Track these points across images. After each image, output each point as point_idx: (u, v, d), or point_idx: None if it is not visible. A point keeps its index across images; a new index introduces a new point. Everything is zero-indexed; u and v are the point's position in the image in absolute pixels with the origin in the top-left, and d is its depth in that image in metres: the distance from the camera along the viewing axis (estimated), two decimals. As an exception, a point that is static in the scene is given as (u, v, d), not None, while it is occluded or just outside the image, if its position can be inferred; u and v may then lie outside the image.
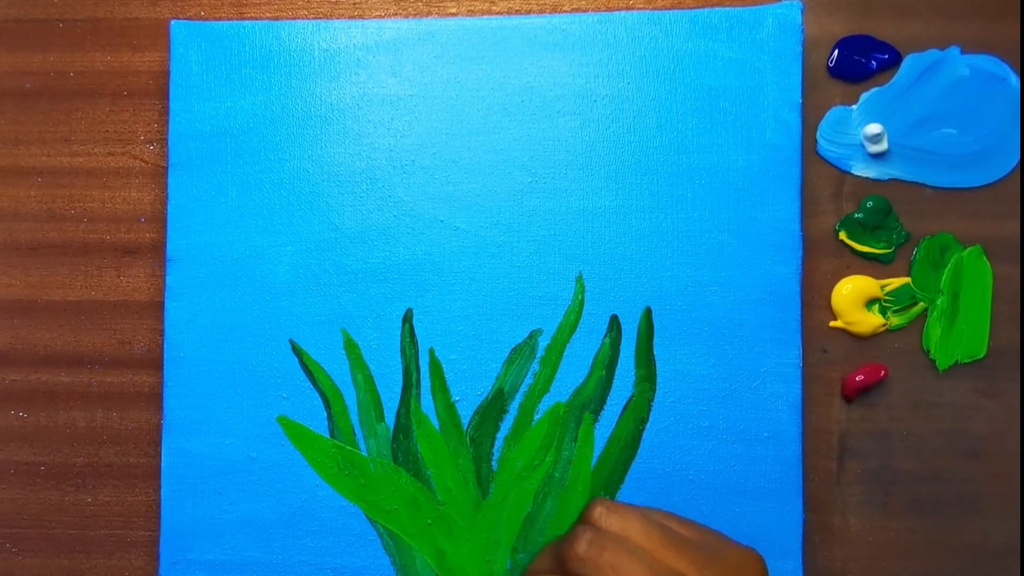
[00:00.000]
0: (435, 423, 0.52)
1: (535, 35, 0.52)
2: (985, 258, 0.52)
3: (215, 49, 0.53)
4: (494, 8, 0.54)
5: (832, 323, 0.52)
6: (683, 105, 0.52)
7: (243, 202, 0.53)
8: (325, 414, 0.52)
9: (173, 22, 0.53)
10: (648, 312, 0.51)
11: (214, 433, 0.52)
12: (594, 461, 0.51)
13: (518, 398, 0.52)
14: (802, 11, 0.52)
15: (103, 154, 0.55)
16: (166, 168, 0.54)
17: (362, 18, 0.54)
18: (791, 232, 0.51)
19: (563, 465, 0.51)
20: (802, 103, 0.51)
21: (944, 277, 0.52)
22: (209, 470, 0.52)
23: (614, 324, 0.51)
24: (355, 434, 0.52)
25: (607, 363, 0.51)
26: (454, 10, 0.54)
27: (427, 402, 0.52)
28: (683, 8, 0.53)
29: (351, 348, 0.52)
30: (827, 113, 0.53)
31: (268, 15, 0.55)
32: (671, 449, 0.51)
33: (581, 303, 0.52)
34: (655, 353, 0.51)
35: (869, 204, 0.52)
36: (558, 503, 0.51)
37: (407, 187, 0.52)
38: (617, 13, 0.52)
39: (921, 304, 0.52)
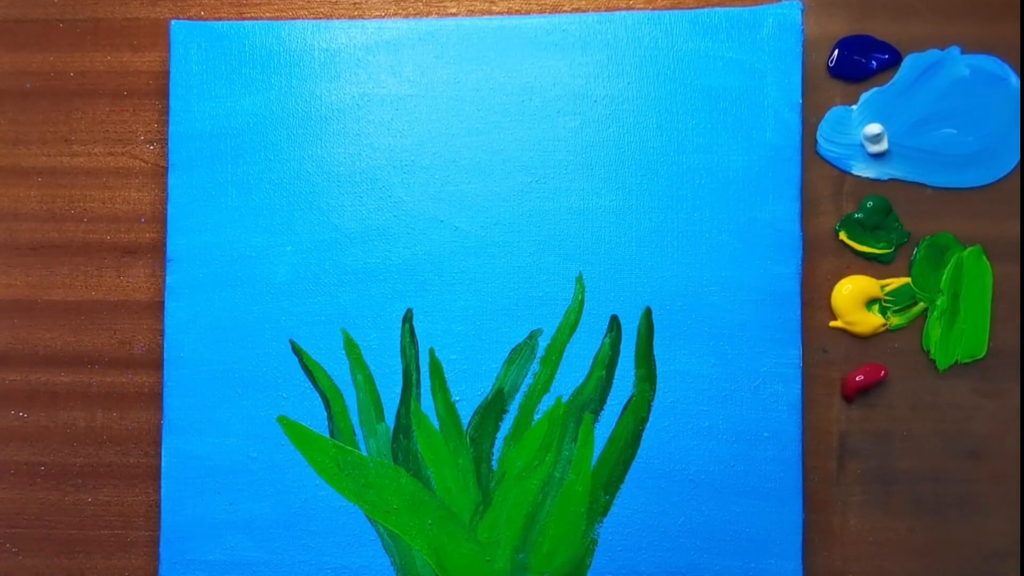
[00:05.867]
0: (435, 423, 0.52)
1: (535, 35, 0.52)
2: (985, 258, 0.52)
3: (215, 49, 0.53)
4: (494, 8, 0.54)
5: (832, 323, 0.52)
6: (683, 105, 0.52)
7: (243, 202, 0.52)
8: (325, 414, 0.52)
9: (173, 22, 0.53)
10: (648, 312, 0.51)
11: (214, 433, 0.52)
12: (594, 461, 0.51)
13: (518, 398, 0.52)
14: (802, 11, 0.52)
15: (103, 154, 0.55)
16: (166, 168, 0.54)
17: (362, 18, 0.54)
18: (791, 232, 0.51)
19: (563, 465, 0.51)
20: (802, 103, 0.51)
21: (944, 277, 0.52)
22: (209, 470, 0.52)
23: (614, 324, 0.51)
24: (355, 434, 0.52)
25: (607, 363, 0.51)
26: (454, 10, 0.54)
27: (427, 402, 0.52)
28: (683, 8, 0.53)
29: (351, 348, 0.52)
30: (827, 113, 0.53)
31: (268, 15, 0.55)
32: (671, 449, 0.51)
33: (581, 303, 0.52)
34: (655, 353, 0.51)
35: (869, 204, 0.52)
36: (558, 503, 0.51)
37: (407, 187, 0.52)
38: (617, 13, 0.52)
39: (921, 304, 0.52)
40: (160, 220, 0.54)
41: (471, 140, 0.52)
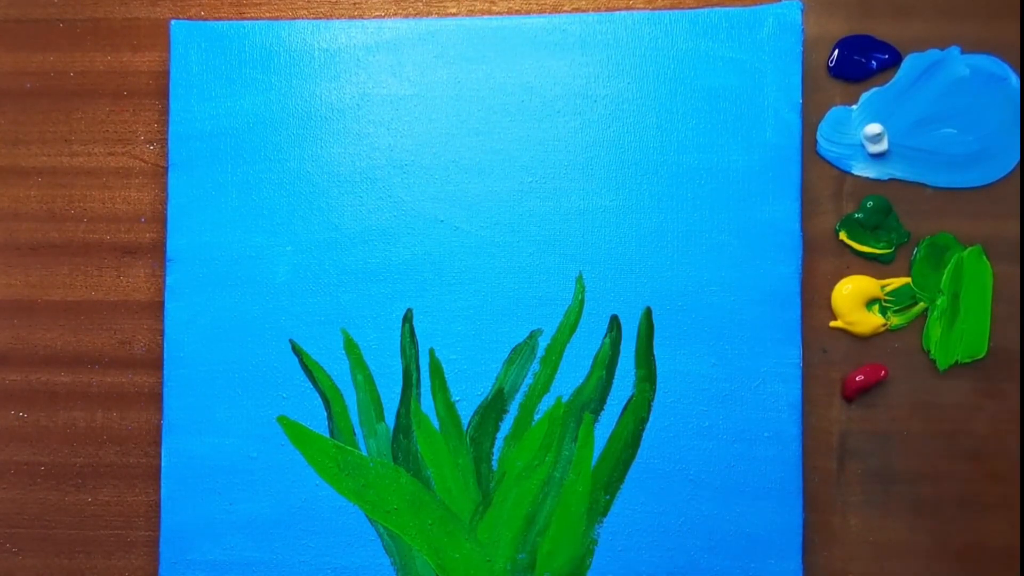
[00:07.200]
0: (435, 423, 0.52)
1: (535, 35, 0.52)
2: (985, 258, 0.52)
3: (215, 49, 0.53)
4: (494, 8, 0.54)
5: (832, 323, 0.52)
6: (683, 105, 0.52)
7: (243, 202, 0.53)
8: (325, 414, 0.52)
9: (173, 22, 0.53)
10: (648, 312, 0.51)
11: (214, 433, 0.52)
12: (594, 461, 0.51)
13: (518, 398, 0.52)
14: (802, 11, 0.52)
15: (103, 154, 0.55)
16: (166, 168, 0.54)
17: (362, 18, 0.54)
18: (791, 232, 0.51)
19: (563, 465, 0.51)
20: (802, 103, 0.51)
21: (944, 277, 0.52)
22: (209, 470, 0.52)
23: (614, 324, 0.51)
24: (355, 434, 0.52)
25: (607, 363, 0.51)
26: (454, 10, 0.54)
27: (427, 402, 0.52)
28: (683, 8, 0.53)
29: (351, 348, 0.52)
30: (827, 113, 0.53)
31: (268, 15, 0.55)
32: (671, 449, 0.51)
33: (581, 303, 0.52)
34: (655, 353, 0.51)
35: (869, 204, 0.52)
36: (558, 503, 0.51)
37: (407, 187, 0.52)
38: (617, 13, 0.52)
39: (921, 304, 0.52)
40: (160, 220, 0.54)
41: (471, 140, 0.52)
